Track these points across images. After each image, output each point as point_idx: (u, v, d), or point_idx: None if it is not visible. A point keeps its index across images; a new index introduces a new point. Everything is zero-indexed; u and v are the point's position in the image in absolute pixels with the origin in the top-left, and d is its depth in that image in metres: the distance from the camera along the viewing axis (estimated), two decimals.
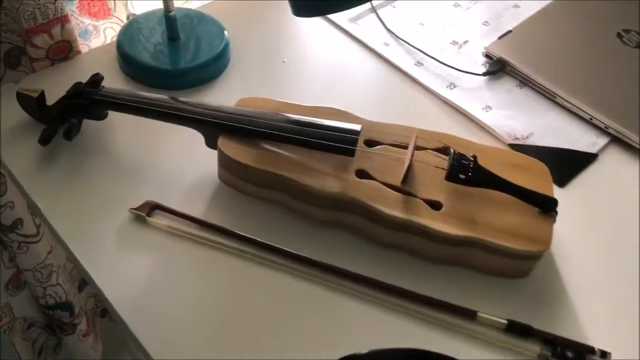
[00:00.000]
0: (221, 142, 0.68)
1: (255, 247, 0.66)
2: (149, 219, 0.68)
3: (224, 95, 0.83)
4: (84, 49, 0.88)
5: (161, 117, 0.70)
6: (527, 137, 0.81)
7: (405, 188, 0.66)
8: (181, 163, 0.74)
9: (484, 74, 0.88)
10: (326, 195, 0.65)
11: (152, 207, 0.69)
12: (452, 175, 0.65)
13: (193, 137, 0.70)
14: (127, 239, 0.67)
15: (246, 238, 0.67)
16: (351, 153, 0.66)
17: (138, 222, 0.68)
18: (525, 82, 0.88)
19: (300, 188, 0.66)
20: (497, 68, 0.89)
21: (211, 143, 0.69)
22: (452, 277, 0.66)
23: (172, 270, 0.65)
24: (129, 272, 0.64)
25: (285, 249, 0.66)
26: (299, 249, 0.66)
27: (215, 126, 0.68)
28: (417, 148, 0.69)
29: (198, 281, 0.64)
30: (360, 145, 0.68)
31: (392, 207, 0.64)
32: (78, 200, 0.70)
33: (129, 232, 0.67)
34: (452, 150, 0.67)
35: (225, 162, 0.68)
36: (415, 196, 0.66)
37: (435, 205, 0.65)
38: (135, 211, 0.68)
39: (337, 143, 0.66)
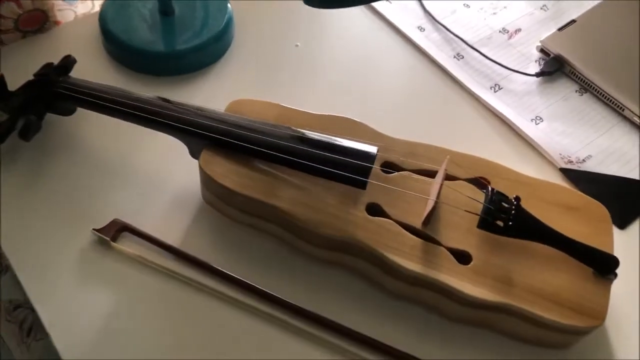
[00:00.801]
0: (204, 158, 0.55)
1: (240, 289, 0.54)
2: (113, 244, 0.56)
3: (221, 85, 0.70)
4: (68, 15, 0.76)
5: (133, 120, 0.58)
6: (584, 160, 0.66)
7: (427, 232, 0.53)
8: (160, 175, 0.62)
9: (538, 75, 0.73)
10: (326, 235, 0.53)
11: (120, 229, 0.57)
12: (487, 222, 0.52)
13: (176, 145, 0.58)
14: (86, 268, 0.56)
15: (230, 277, 0.55)
16: (362, 185, 0.53)
17: (101, 247, 0.57)
18: (587, 87, 0.72)
19: (295, 224, 0.53)
20: (554, 68, 0.73)
21: (196, 155, 0.57)
22: (475, 339, 0.54)
23: (137, 312, 0.54)
24: (83, 311, 0.53)
25: (275, 294, 0.54)
26: (292, 293, 0.54)
27: (198, 137, 0.56)
28: (447, 177, 0.55)
29: (168, 327, 0.53)
30: (375, 173, 0.55)
31: (408, 256, 0.51)
32: (32, 214, 0.58)
33: (89, 259, 0.56)
34: (489, 188, 0.53)
35: (207, 183, 0.56)
36: (438, 243, 0.53)
37: (462, 258, 0.52)
38: (98, 233, 0.56)
39: (346, 171, 0.53)
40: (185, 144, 0.57)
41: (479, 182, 0.56)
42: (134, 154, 0.63)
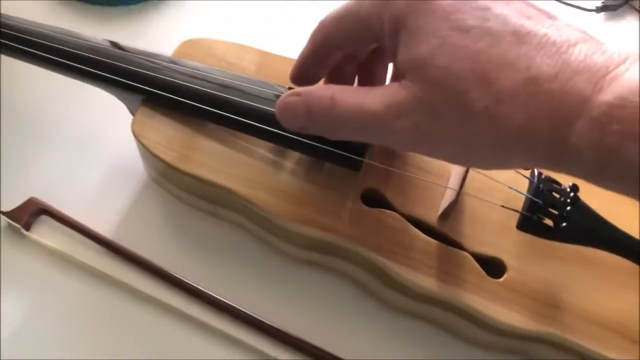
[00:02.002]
0: (138, 119, 0.40)
1: (187, 295, 0.41)
2: (26, 233, 0.42)
3: (183, 18, 0.54)
4: None
5: (51, 66, 0.42)
6: None
7: (445, 230, 0.38)
8: (94, 141, 0.47)
9: (599, 10, 0.56)
10: (305, 234, 0.38)
11: (37, 212, 0.43)
12: (531, 222, 0.37)
13: (116, 101, 0.43)
14: None
15: (176, 280, 0.41)
16: (355, 166, 0.38)
17: (11, 235, 0.43)
18: None
19: (264, 216, 0.39)
20: (620, 1, 0.56)
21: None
22: None
23: (55, 319, 0.41)
24: None
25: (236, 306, 0.40)
26: (260, 300, 0.40)
27: (131, 90, 0.40)
28: None
29: (95, 338, 0.40)
30: (377, 148, 0.40)
31: (417, 266, 0.37)
32: None
33: None
34: (535, 172, 0.38)
35: (143, 154, 0.41)
36: (461, 247, 0.38)
37: (493, 268, 0.38)
38: (7, 218, 0.42)
39: (333, 146, 0.37)
40: (121, 100, 0.42)
41: None
42: (58, 112, 0.48)
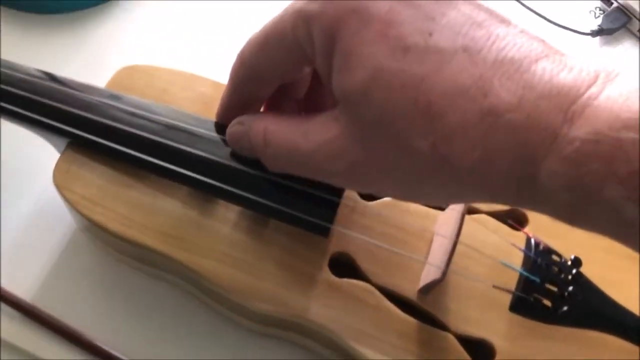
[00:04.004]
0: (61, 165, 0.33)
1: None
2: None
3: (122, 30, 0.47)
4: None
5: None
6: None
7: (426, 307, 0.33)
8: (16, 180, 0.40)
9: (595, 33, 0.50)
10: (262, 312, 0.32)
11: None
12: (526, 304, 0.31)
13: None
14: None
15: (108, 355, 0.34)
16: (323, 232, 0.32)
17: None
18: None
19: (212, 290, 0.32)
20: (617, 24, 0.51)
21: None
22: None
23: None
24: None
25: None
26: None
27: (55, 132, 0.33)
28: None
29: None
30: (348, 201, 0.34)
31: (392, 352, 0.31)
32: None
33: None
34: (531, 241, 0.32)
35: (67, 207, 0.34)
36: (444, 327, 0.32)
37: (480, 351, 0.32)
38: None
39: (293, 208, 0.31)
40: (44, 139, 0.35)
41: (514, 218, 0.35)
42: None
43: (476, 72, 0.21)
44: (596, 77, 0.21)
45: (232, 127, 0.30)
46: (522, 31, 0.22)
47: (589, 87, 0.20)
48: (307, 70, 0.29)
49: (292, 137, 0.26)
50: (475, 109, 0.21)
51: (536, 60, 0.21)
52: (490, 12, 0.23)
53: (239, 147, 0.30)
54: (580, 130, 0.20)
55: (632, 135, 0.19)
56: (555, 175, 0.20)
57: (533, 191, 0.21)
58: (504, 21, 0.23)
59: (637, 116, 0.19)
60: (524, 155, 0.21)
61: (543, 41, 0.22)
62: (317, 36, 0.24)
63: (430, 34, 0.22)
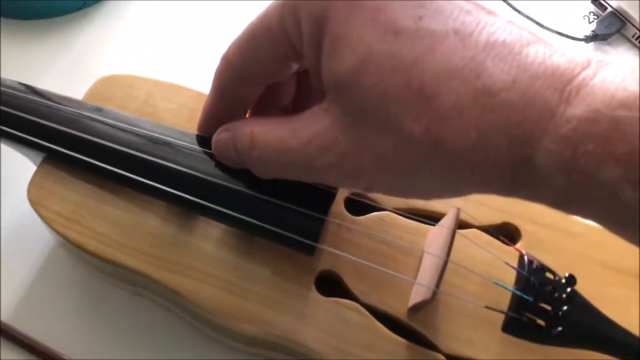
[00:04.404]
0: (36, 180, 0.32)
1: None
2: None
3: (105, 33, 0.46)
4: None
5: None
6: None
7: (414, 325, 0.32)
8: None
9: (588, 39, 0.50)
10: (245, 334, 0.31)
11: None
12: (519, 325, 0.30)
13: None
14: None
15: None
16: (308, 250, 0.31)
17: None
18: None
19: (195, 311, 0.31)
20: (612, 29, 0.50)
21: None
22: None
23: None
24: None
25: None
26: None
27: (29, 145, 0.32)
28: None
29: None
30: (337, 216, 0.33)
31: None
32: None
33: None
34: (525, 258, 0.31)
35: (43, 221, 0.33)
36: (434, 348, 0.31)
37: None
38: None
39: (278, 225, 0.30)
40: (18, 152, 0.34)
41: (506, 234, 0.34)
42: None
43: (468, 54, 0.21)
44: (589, 62, 0.20)
45: (218, 135, 0.29)
46: (509, 21, 0.22)
47: (583, 69, 0.20)
48: (293, 68, 0.28)
49: (280, 136, 0.25)
50: (469, 90, 0.21)
51: (527, 44, 0.21)
52: (477, 4, 0.22)
53: (226, 156, 0.29)
54: (577, 109, 0.20)
55: (630, 113, 0.19)
56: (551, 155, 0.20)
57: (529, 175, 0.21)
58: (491, 12, 0.22)
59: (634, 95, 0.19)
60: (520, 135, 0.20)
61: (531, 32, 0.22)
62: (306, 24, 0.23)
63: (421, 18, 0.21)
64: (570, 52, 0.21)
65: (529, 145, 0.20)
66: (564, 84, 0.20)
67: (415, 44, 0.21)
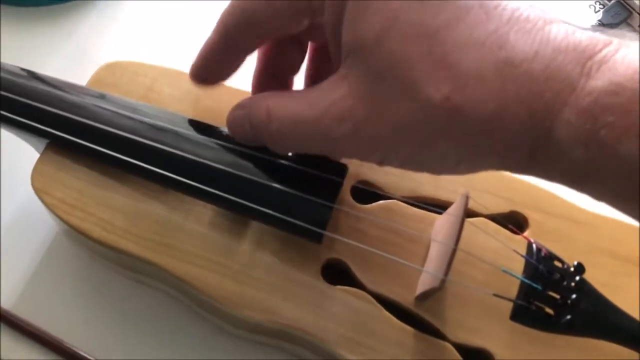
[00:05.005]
0: (40, 168, 0.32)
1: None
2: None
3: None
4: None
5: None
6: None
7: (422, 313, 0.31)
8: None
9: (594, 29, 0.49)
10: (251, 321, 0.31)
11: None
12: (527, 313, 0.30)
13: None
14: None
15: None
16: (316, 238, 0.30)
17: None
18: None
19: (201, 298, 0.31)
20: (618, 19, 0.49)
21: None
22: None
23: None
24: None
25: None
26: None
27: (32, 132, 0.32)
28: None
29: None
30: (344, 204, 0.32)
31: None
32: None
33: None
34: (533, 246, 0.31)
35: (46, 208, 0.33)
36: (441, 336, 0.31)
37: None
38: None
39: (284, 212, 0.30)
40: (21, 138, 0.34)
41: (514, 222, 0.34)
42: None
43: (491, 27, 0.21)
44: (611, 41, 0.21)
45: (233, 112, 0.28)
46: (532, 5, 0.23)
47: (605, 46, 0.21)
48: (303, 25, 0.26)
49: (297, 107, 0.25)
50: (490, 60, 0.21)
51: (550, 22, 0.21)
52: None
53: (241, 133, 0.28)
54: (598, 82, 0.20)
55: None
56: (571, 127, 0.20)
57: (547, 148, 0.21)
58: None
59: None
60: (541, 107, 0.21)
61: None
62: None
63: None
64: (591, 32, 0.21)
65: (549, 117, 0.21)
66: (585, 59, 0.20)
67: (439, 14, 0.21)
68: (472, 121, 0.21)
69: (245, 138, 0.28)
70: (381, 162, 0.25)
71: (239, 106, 0.28)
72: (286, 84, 0.31)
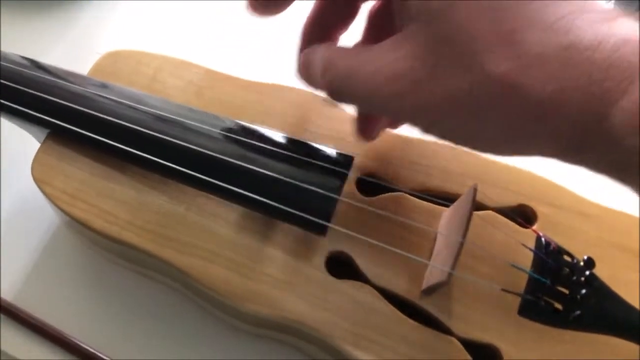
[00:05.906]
0: (40, 158, 0.31)
1: None
2: None
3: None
4: None
5: None
6: None
7: (428, 308, 0.31)
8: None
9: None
10: (254, 314, 0.30)
11: None
12: (536, 307, 0.29)
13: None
14: None
15: (86, 353, 0.33)
16: (320, 230, 0.30)
17: None
18: None
19: (205, 292, 0.31)
20: (630, 9, 0.48)
21: None
22: None
23: None
24: None
25: None
26: None
27: (33, 121, 0.31)
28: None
29: None
30: (349, 196, 0.32)
31: (394, 356, 0.30)
32: None
33: None
34: (542, 239, 0.30)
35: (48, 200, 0.32)
36: (447, 331, 0.31)
37: (486, 356, 0.31)
38: None
39: (289, 204, 0.29)
40: (22, 129, 0.33)
41: (522, 215, 0.33)
42: None
43: (561, 12, 0.22)
44: None
45: (303, 56, 0.29)
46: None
47: None
48: None
49: (353, 60, 0.26)
50: (555, 43, 0.21)
51: (617, 16, 0.22)
52: None
53: (303, 77, 0.29)
54: None
55: None
56: (628, 115, 0.20)
57: (598, 136, 0.21)
58: None
59: None
60: (599, 93, 0.21)
61: None
62: None
63: None
64: None
65: (606, 104, 0.21)
66: None
67: None
68: (527, 101, 0.22)
69: (307, 82, 0.29)
70: (427, 129, 0.25)
71: (309, 51, 0.28)
72: (333, 40, 0.31)
